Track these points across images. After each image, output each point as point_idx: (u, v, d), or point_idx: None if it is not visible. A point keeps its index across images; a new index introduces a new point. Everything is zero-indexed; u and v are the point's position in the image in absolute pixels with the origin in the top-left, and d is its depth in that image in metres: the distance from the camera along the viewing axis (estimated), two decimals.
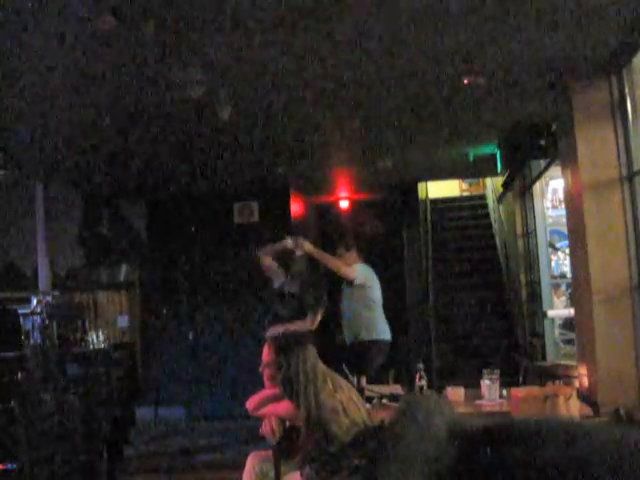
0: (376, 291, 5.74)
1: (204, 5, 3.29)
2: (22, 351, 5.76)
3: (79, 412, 5.66)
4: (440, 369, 7.95)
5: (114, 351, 7.24)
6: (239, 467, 3.75)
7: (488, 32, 3.75)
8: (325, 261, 5.54)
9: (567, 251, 5.98)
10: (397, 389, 4.67)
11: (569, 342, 6.43)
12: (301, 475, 3.08)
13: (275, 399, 3.41)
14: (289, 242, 5.35)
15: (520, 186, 7.56)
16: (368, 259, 6.10)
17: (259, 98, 4.82)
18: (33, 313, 6.21)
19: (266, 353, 3.46)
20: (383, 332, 5.67)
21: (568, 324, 6.76)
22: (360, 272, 5.68)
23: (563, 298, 7.30)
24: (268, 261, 5.34)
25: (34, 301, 6.37)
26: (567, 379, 4.76)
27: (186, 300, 8.39)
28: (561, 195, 6.65)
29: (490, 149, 7.07)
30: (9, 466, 4.72)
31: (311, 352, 3.33)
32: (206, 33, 3.61)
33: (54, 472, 5.13)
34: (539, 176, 6.76)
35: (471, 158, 7.34)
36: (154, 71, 4.12)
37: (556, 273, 7.44)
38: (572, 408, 3.72)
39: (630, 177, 4.22)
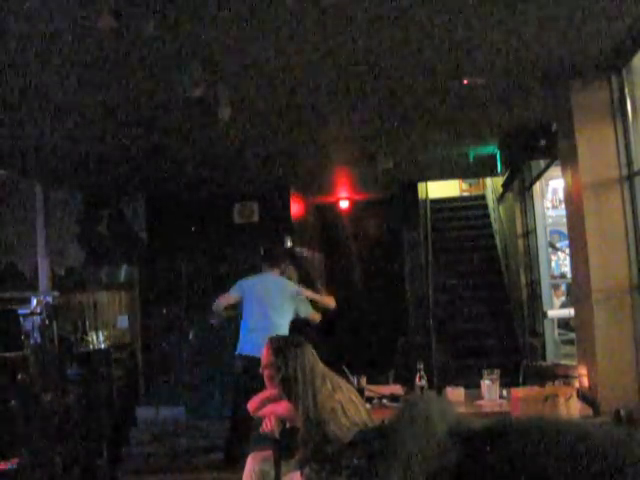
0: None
1: (204, 4, 3.29)
2: (22, 351, 5.76)
3: (79, 412, 5.67)
4: (440, 369, 7.95)
5: (114, 351, 7.25)
6: (239, 467, 3.76)
7: (488, 32, 3.75)
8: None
9: (567, 251, 5.97)
10: (397, 389, 4.67)
11: (569, 342, 6.43)
12: (301, 475, 3.08)
13: (275, 400, 3.41)
14: None
15: (520, 186, 7.56)
16: (366, 260, 6.13)
17: (259, 98, 4.82)
18: (33, 313, 6.21)
19: (265, 354, 3.46)
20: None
21: (565, 324, 6.76)
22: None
23: (563, 298, 7.30)
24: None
25: (34, 301, 6.36)
26: (567, 379, 4.76)
27: (186, 300, 8.39)
28: (561, 195, 6.65)
29: (490, 149, 7.07)
30: (9, 466, 4.72)
31: (309, 353, 3.33)
32: (206, 32, 3.61)
33: (54, 472, 5.13)
34: (539, 176, 6.76)
35: (471, 158, 7.34)
36: (153, 71, 4.12)
37: (556, 273, 7.44)
38: (572, 408, 3.72)
39: (630, 177, 4.22)
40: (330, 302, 5.77)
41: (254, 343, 5.36)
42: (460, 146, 6.98)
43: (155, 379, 8.27)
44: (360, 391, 3.95)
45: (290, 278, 5.88)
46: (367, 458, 2.57)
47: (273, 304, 5.48)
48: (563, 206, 6.04)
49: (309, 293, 5.68)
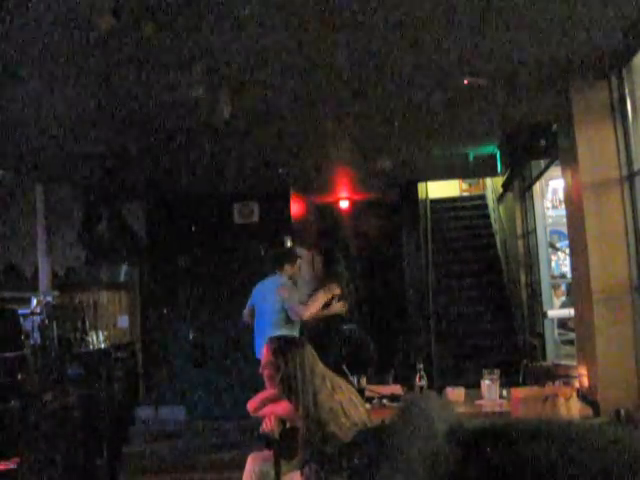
0: None
1: (205, 4, 3.29)
2: (22, 351, 5.76)
3: (79, 412, 5.66)
4: (440, 369, 7.95)
5: (114, 351, 7.25)
6: (239, 467, 3.76)
7: (488, 32, 3.75)
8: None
9: (567, 251, 5.97)
10: (397, 389, 4.67)
11: (569, 342, 6.42)
12: (301, 475, 3.08)
13: (275, 400, 3.41)
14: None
15: (520, 186, 7.56)
16: (366, 260, 6.10)
17: (259, 98, 4.82)
18: (33, 313, 6.20)
19: (265, 354, 3.46)
20: None
21: (565, 324, 6.75)
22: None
23: (563, 298, 7.30)
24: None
25: (34, 301, 6.36)
26: (567, 379, 4.76)
27: (186, 300, 8.39)
28: (561, 195, 6.65)
29: (490, 149, 7.07)
30: (9, 466, 4.72)
31: (309, 353, 3.33)
32: (206, 33, 3.61)
33: (54, 472, 5.13)
34: (539, 176, 6.76)
35: (471, 158, 7.33)
36: (153, 71, 4.12)
37: (556, 273, 7.44)
38: (572, 408, 3.72)
39: (630, 177, 4.22)
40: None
41: (256, 345, 5.40)
42: (460, 146, 6.98)
43: (155, 379, 8.27)
44: (360, 391, 3.95)
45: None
46: (367, 458, 2.57)
47: (266, 304, 5.53)
48: (563, 206, 6.04)
49: (317, 304, 5.53)
